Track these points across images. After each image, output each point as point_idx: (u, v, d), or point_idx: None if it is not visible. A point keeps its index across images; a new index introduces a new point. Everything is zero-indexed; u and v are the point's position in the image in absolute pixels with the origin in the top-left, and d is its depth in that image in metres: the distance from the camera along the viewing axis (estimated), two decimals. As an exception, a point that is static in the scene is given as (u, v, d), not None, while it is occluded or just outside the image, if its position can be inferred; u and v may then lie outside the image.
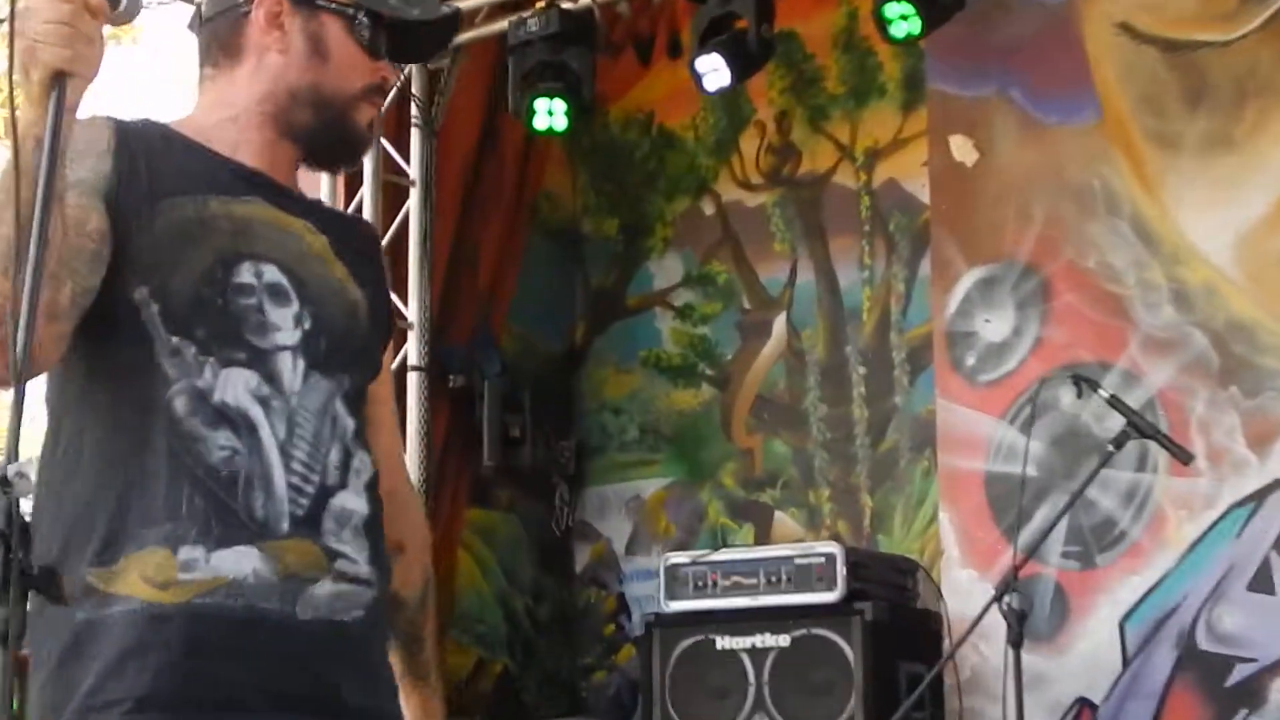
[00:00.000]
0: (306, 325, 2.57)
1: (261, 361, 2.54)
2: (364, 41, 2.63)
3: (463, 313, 8.06)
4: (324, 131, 2.69)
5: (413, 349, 7.65)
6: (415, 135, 7.84)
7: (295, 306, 2.57)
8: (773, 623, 6.29)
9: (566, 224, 8.46)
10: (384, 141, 7.57)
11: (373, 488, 2.64)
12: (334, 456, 2.57)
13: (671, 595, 6.52)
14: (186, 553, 2.44)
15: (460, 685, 7.78)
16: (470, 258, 8.15)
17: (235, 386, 2.51)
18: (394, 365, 7.30)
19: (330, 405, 2.60)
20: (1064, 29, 6.85)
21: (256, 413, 2.51)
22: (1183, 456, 6.00)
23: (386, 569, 2.66)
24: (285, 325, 2.57)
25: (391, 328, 2.89)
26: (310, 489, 2.52)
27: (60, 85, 2.17)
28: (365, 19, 2.62)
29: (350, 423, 2.63)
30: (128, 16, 2.34)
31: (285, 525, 2.48)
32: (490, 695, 7.92)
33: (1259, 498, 6.31)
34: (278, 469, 2.50)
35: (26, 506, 2.11)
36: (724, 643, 6.35)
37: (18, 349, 2.04)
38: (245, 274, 2.54)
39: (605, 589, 8.07)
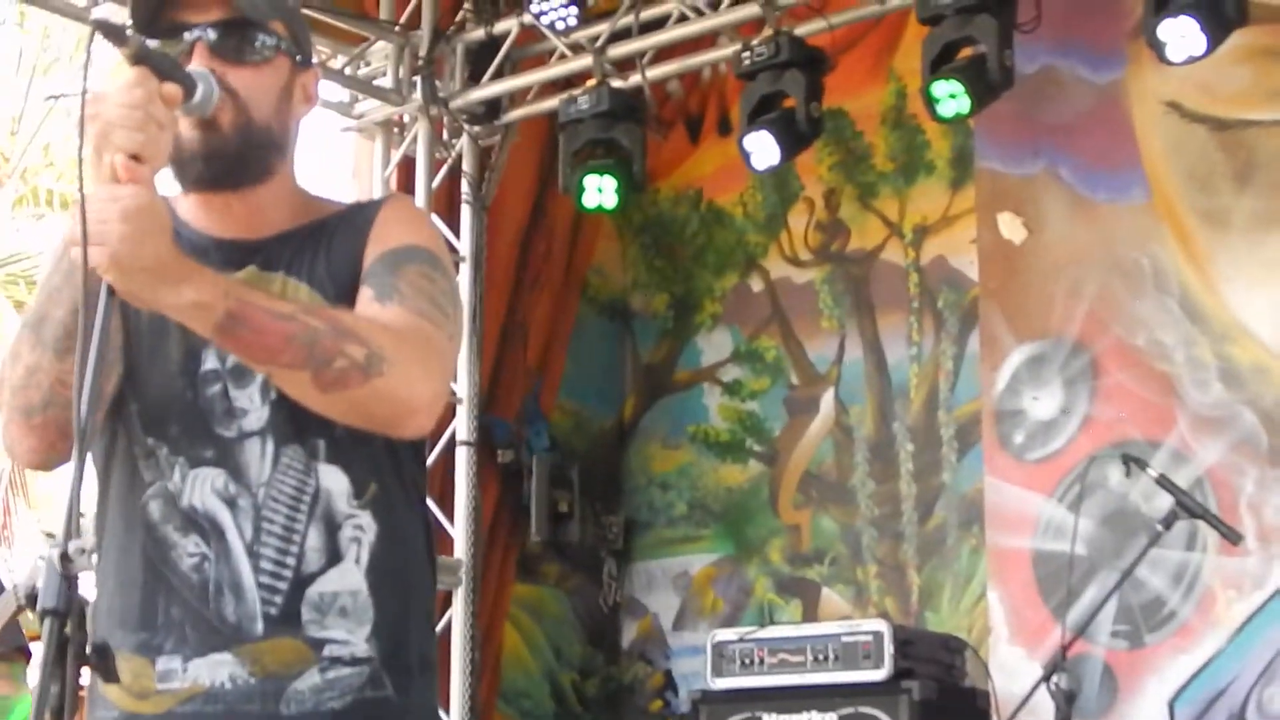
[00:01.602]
0: (273, 394, 2.50)
1: (229, 455, 2.52)
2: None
3: (512, 387, 8.11)
4: (193, 167, 2.52)
5: (462, 424, 7.69)
6: (466, 211, 7.91)
7: (259, 379, 2.50)
8: (820, 700, 6.29)
9: (616, 299, 8.48)
10: (435, 217, 7.50)
11: (377, 552, 2.55)
12: (313, 540, 2.52)
13: (718, 672, 6.50)
14: (164, 663, 2.45)
15: None
16: (520, 333, 8.20)
17: (203, 489, 2.51)
18: (444, 438, 7.38)
19: (308, 481, 2.53)
20: (1113, 107, 6.90)
21: (224, 516, 2.50)
22: (1232, 537, 6.00)
23: (395, 634, 2.58)
24: (252, 405, 2.53)
25: (355, 274, 2.60)
26: (283, 584, 2.50)
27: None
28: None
29: (339, 484, 2.54)
30: (201, 110, 2.39)
31: (259, 627, 2.47)
32: None
33: None
34: (246, 572, 2.48)
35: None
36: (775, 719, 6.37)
37: (80, 426, 2.06)
38: (210, 359, 2.52)
39: (652, 665, 8.06)
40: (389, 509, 2.56)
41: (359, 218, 2.65)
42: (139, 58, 2.24)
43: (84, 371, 2.12)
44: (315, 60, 2.74)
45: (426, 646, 2.66)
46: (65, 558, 1.89)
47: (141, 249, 2.16)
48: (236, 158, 2.52)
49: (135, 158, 2.18)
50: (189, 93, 2.34)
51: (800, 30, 6.93)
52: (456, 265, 7.65)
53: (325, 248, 2.60)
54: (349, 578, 2.51)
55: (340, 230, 2.63)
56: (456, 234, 7.83)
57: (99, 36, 2.24)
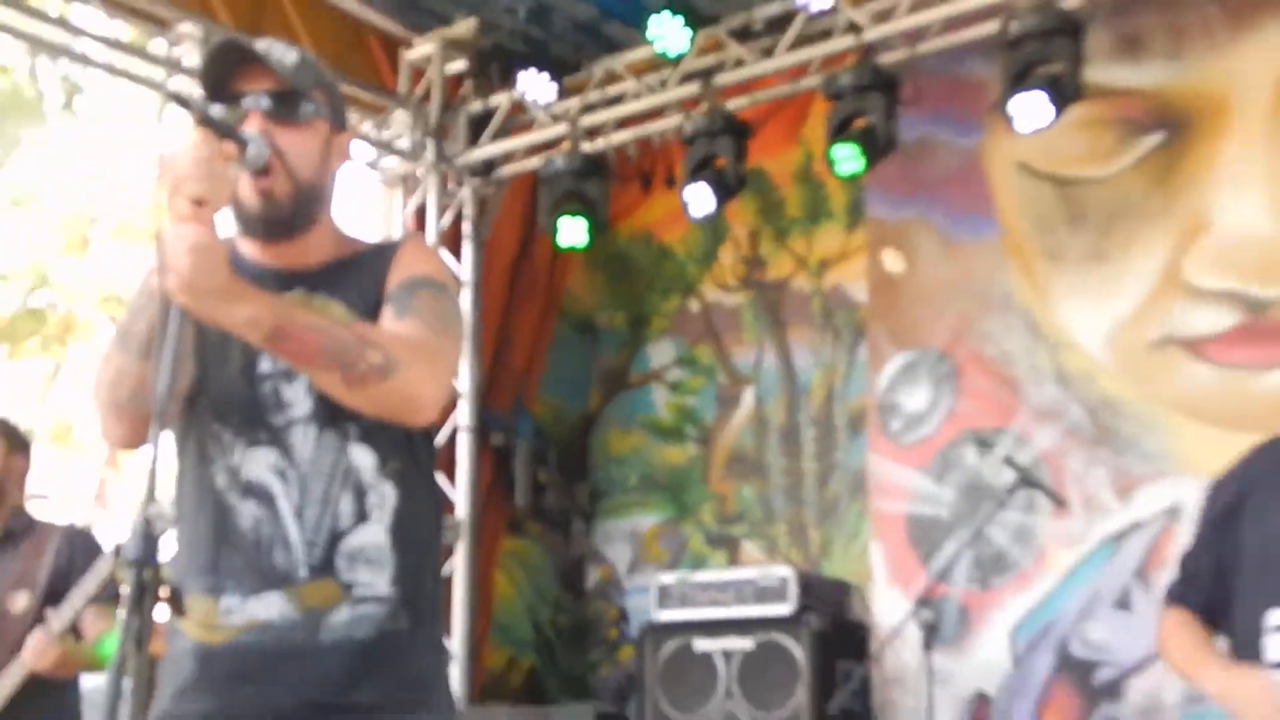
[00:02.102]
0: (315, 391, 2.50)
1: (279, 438, 2.53)
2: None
3: (503, 386, 8.07)
4: (255, 226, 2.56)
5: (463, 414, 7.69)
6: (467, 247, 7.90)
7: (304, 379, 2.50)
8: (740, 630, 6.34)
9: (584, 317, 8.46)
10: (443, 251, 7.49)
11: (400, 512, 2.57)
12: (346, 504, 2.52)
13: (662, 607, 6.58)
14: (226, 602, 2.48)
15: (497, 677, 7.84)
16: (509, 343, 8.17)
17: (258, 464, 2.53)
18: (448, 427, 7.40)
19: (342, 458, 2.55)
20: (974, 167, 6.91)
21: (275, 486, 2.52)
22: (1060, 502, 6.12)
23: (415, 582, 2.59)
24: (298, 399, 2.53)
25: (379, 298, 2.58)
26: (321, 539, 2.50)
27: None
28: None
29: (366, 460, 2.56)
30: (253, 165, 2.43)
31: (303, 572, 2.48)
32: (519, 685, 7.94)
33: (1121, 536, 6.31)
34: (292, 530, 2.50)
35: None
36: (701, 645, 6.39)
37: (158, 416, 2.15)
38: (265, 363, 2.52)
39: (610, 602, 8.06)
40: (406, 480, 2.58)
41: (384, 253, 2.64)
42: (203, 121, 2.30)
43: (160, 373, 2.20)
44: (347, 124, 2.74)
45: (435, 590, 2.68)
46: (146, 521, 1.95)
47: (204, 276, 2.20)
48: (290, 220, 2.56)
49: (199, 202, 2.23)
50: (243, 150, 2.39)
51: (730, 105, 6.99)
52: (459, 289, 7.77)
53: (356, 276, 2.60)
54: (374, 534, 2.52)
55: (369, 262, 2.62)
56: (460, 264, 7.83)
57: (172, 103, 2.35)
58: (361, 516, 2.52)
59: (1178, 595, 3.22)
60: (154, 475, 2.09)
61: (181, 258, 2.18)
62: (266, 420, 2.52)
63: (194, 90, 2.50)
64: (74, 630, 4.23)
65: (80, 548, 4.40)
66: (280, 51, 2.55)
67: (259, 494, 2.51)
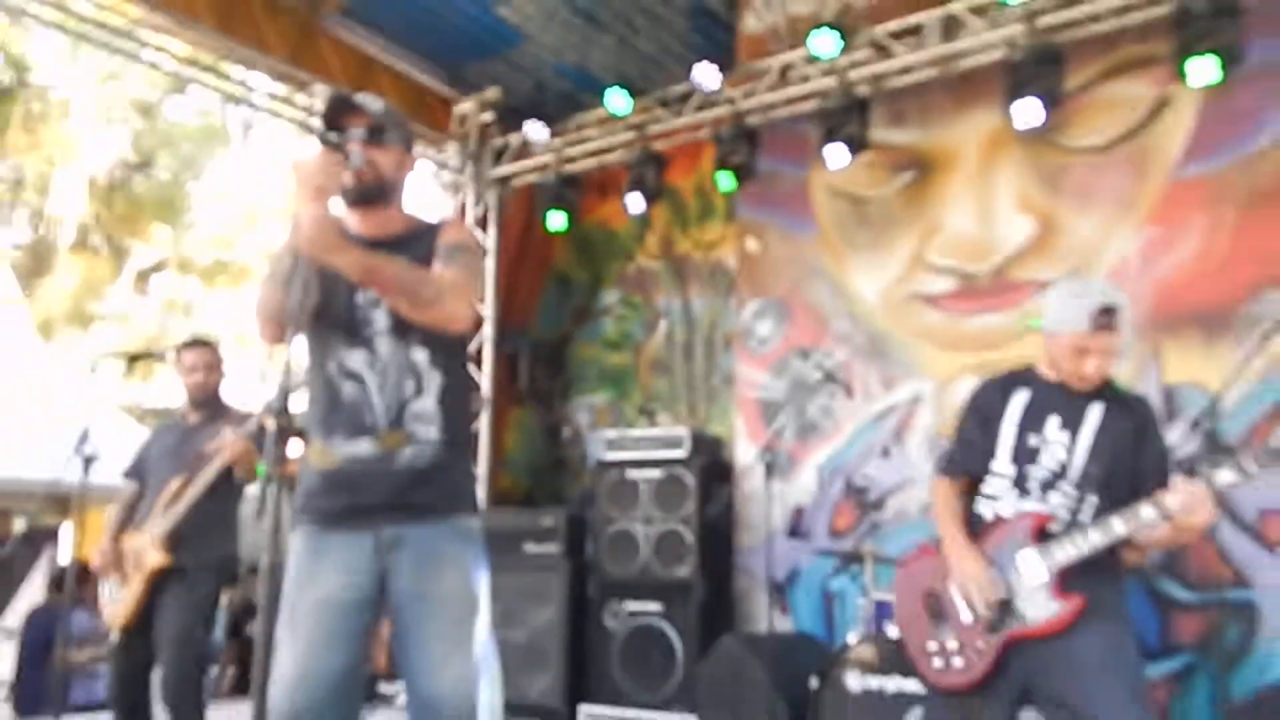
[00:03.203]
0: (391, 312, 2.42)
1: (369, 343, 2.45)
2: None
3: (512, 315, 8.08)
4: (351, 194, 2.49)
5: (487, 333, 7.70)
6: (491, 228, 7.91)
7: (384, 304, 2.42)
8: (654, 466, 6.35)
9: (563, 274, 8.34)
10: (475, 230, 7.60)
11: (444, 389, 2.47)
12: (409, 384, 2.44)
13: (608, 452, 6.56)
14: (334, 444, 2.44)
15: (505, 492, 7.83)
16: (516, 288, 8.17)
17: (356, 359, 2.45)
18: (477, 340, 7.36)
19: (408, 356, 2.44)
20: (803, 189, 6.84)
21: (366, 373, 2.44)
22: (849, 391, 6.37)
23: (454, 432, 2.49)
24: (380, 318, 2.45)
25: (431, 255, 2.48)
26: (395, 405, 2.43)
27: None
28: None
29: (422, 355, 2.45)
30: (354, 168, 2.41)
31: (383, 424, 2.42)
32: (519, 498, 7.93)
33: (885, 413, 6.33)
34: (376, 398, 2.43)
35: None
36: (631, 475, 6.41)
37: (294, 324, 2.17)
38: (359, 295, 2.45)
39: (576, 449, 8.09)
40: (448, 369, 2.51)
41: (435, 229, 2.55)
42: (324, 142, 2.30)
43: (295, 298, 2.21)
44: (415, 147, 2.72)
45: (466, 438, 2.58)
46: (285, 390, 1.96)
47: (322, 237, 2.20)
48: (375, 196, 2.50)
49: (320, 191, 2.22)
50: (347, 160, 2.37)
51: (656, 145, 7.05)
52: (483, 254, 7.68)
53: (418, 242, 2.50)
54: (428, 403, 2.45)
55: (426, 234, 2.53)
56: (486, 238, 7.86)
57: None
58: (419, 391, 2.46)
59: (945, 469, 3.04)
60: (291, 362, 2.08)
61: (308, 226, 2.17)
62: (361, 331, 2.46)
63: (318, 124, 2.42)
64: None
65: (259, 426, 4.13)
66: (371, 101, 2.50)
67: (355, 377, 2.45)
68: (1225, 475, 2.56)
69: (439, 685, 2.33)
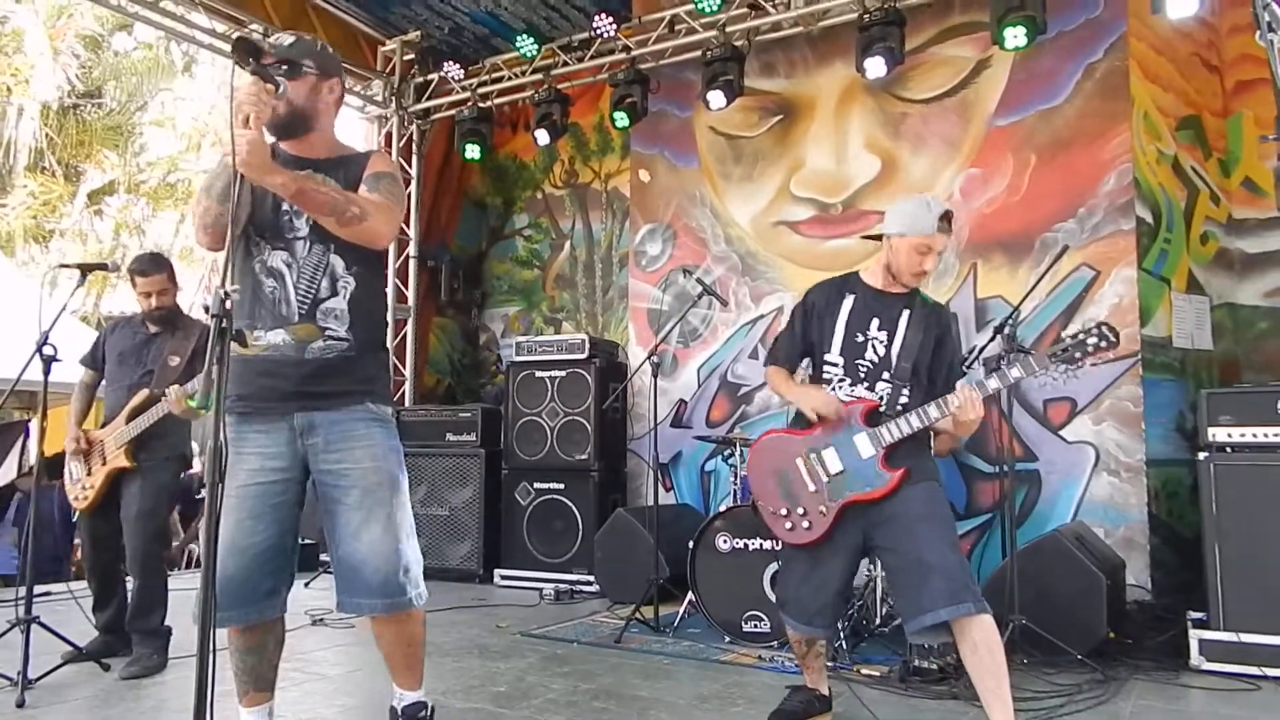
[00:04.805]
0: (312, 222, 2.34)
1: (289, 247, 2.37)
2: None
3: (433, 233, 8.01)
4: (274, 129, 2.39)
5: (412, 248, 7.66)
6: (414, 158, 7.78)
7: (307, 216, 2.34)
8: (559, 366, 6.31)
9: (479, 199, 8.27)
10: (401, 160, 7.62)
11: (355, 294, 2.39)
12: (324, 285, 2.37)
13: (518, 355, 6.48)
14: (256, 334, 2.36)
15: (429, 390, 7.82)
16: (437, 210, 8.08)
17: (278, 259, 2.37)
18: (402, 255, 7.27)
19: (324, 258, 2.38)
20: (688, 127, 6.76)
21: (286, 272, 2.37)
22: (725, 301, 6.38)
23: (364, 331, 2.40)
24: (303, 226, 2.37)
25: (358, 180, 2.40)
26: (308, 301, 2.36)
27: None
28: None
29: (339, 263, 2.38)
30: (280, 96, 2.31)
31: (297, 318, 2.35)
32: (442, 395, 7.89)
33: (754, 321, 6.34)
34: (293, 295, 2.36)
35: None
36: (539, 374, 6.35)
37: (231, 233, 2.02)
38: (286, 206, 2.36)
39: (492, 352, 8.05)
40: (361, 277, 2.42)
41: (362, 157, 2.47)
42: (254, 71, 2.15)
43: (231, 210, 2.10)
44: (338, 76, 2.48)
45: (380, 339, 2.50)
46: (225, 294, 1.82)
47: (255, 158, 2.09)
48: (289, 121, 2.39)
49: (251, 117, 2.12)
50: (277, 88, 2.28)
51: (561, 86, 6.97)
52: (407, 182, 7.53)
53: (345, 166, 2.42)
54: (340, 303, 2.38)
55: (354, 161, 2.45)
56: (410, 167, 7.74)
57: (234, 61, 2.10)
58: (333, 293, 2.38)
59: (773, 359, 3.06)
60: (227, 266, 2.00)
61: (242, 148, 2.07)
62: (284, 236, 2.38)
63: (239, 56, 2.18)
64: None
65: (206, 333, 3.85)
66: (282, 39, 2.39)
67: (276, 275, 2.37)
68: (993, 382, 2.68)
69: (356, 548, 2.30)
